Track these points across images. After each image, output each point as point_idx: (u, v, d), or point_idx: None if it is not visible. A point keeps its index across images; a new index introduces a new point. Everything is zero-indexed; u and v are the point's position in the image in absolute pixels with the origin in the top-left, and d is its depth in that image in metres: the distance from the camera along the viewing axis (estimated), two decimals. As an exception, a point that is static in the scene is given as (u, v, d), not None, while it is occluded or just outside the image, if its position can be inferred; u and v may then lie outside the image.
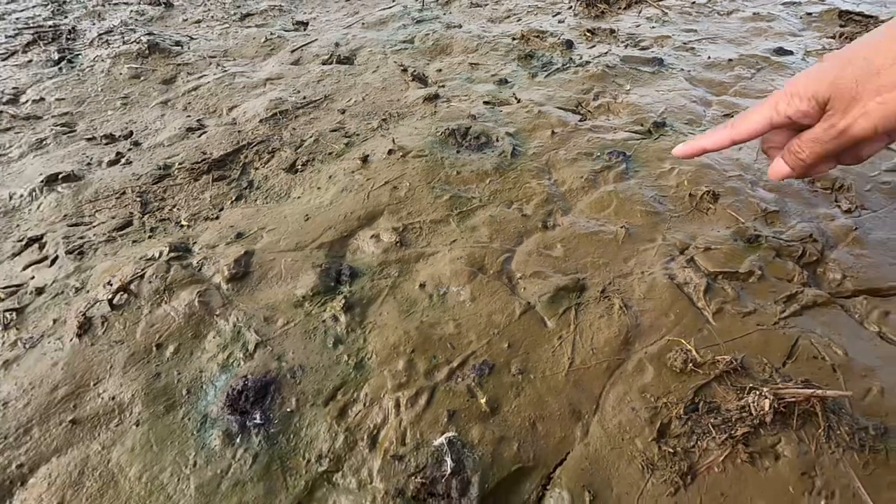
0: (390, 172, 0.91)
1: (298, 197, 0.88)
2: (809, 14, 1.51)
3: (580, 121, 1.03)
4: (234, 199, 0.87)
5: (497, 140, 0.98)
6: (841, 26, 1.46)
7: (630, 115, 1.05)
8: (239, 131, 1.03)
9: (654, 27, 1.43)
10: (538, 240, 0.78)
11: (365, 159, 0.94)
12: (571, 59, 1.24)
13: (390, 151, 0.95)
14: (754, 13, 1.52)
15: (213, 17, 1.53)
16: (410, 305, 0.68)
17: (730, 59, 1.25)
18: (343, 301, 0.67)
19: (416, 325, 0.65)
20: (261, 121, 1.05)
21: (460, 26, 1.45)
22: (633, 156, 0.92)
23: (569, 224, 0.80)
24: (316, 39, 1.39)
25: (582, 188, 0.87)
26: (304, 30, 1.46)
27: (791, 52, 1.30)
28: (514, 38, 1.36)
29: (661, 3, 1.58)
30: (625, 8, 1.55)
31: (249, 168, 0.95)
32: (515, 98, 1.11)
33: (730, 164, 0.89)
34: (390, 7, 1.59)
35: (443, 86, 1.18)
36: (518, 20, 1.50)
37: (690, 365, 0.59)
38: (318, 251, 0.76)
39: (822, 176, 0.88)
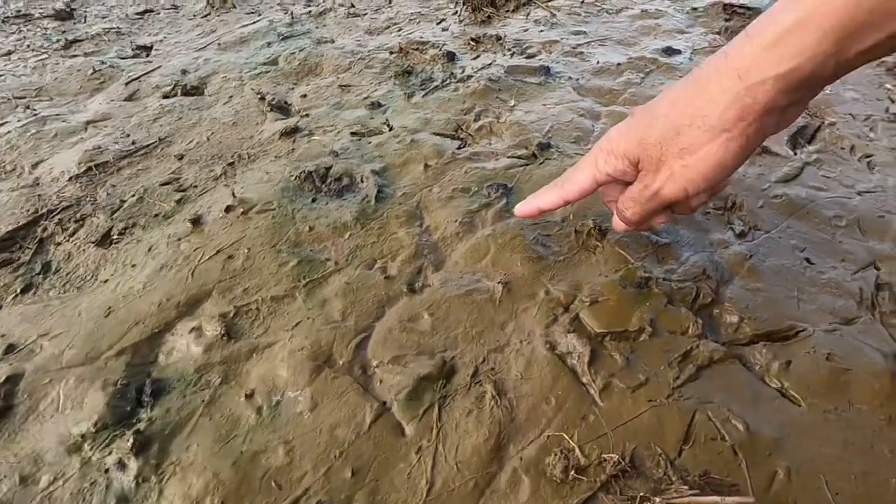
0: (227, 236, 0.75)
1: (106, 280, 0.70)
2: (695, 9, 1.50)
3: (459, 148, 0.92)
4: (18, 291, 0.68)
5: (361, 181, 0.85)
6: (726, 20, 1.45)
7: (514, 136, 0.95)
8: (39, 195, 0.83)
9: (542, 31, 1.36)
10: (402, 309, 0.66)
11: (197, 221, 0.78)
12: (453, 73, 1.13)
13: (229, 208, 0.79)
14: (643, 10, 1.48)
15: (28, 46, 1.28)
16: (231, 428, 0.54)
17: (619, 64, 1.19)
18: (134, 437, 0.51)
19: (233, 459, 0.51)
20: (71, 178, 0.86)
21: (333, 41, 1.30)
22: (516, 187, 0.82)
23: (440, 283, 0.69)
24: (159, 67, 1.19)
25: (457, 234, 0.76)
26: (146, 56, 1.26)
27: (679, 52, 1.27)
28: (391, 53, 1.24)
29: (549, 3, 1.51)
30: (513, 11, 1.47)
31: (48, 244, 0.76)
32: (387, 125, 0.99)
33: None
34: (254, 23, 1.41)
35: (306, 115, 1.03)
36: (399, 30, 1.37)
37: (573, 472, 0.48)
38: (115, 361, 0.60)
39: (719, 194, 0.83)
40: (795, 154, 0.92)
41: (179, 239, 0.74)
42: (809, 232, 0.75)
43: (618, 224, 0.66)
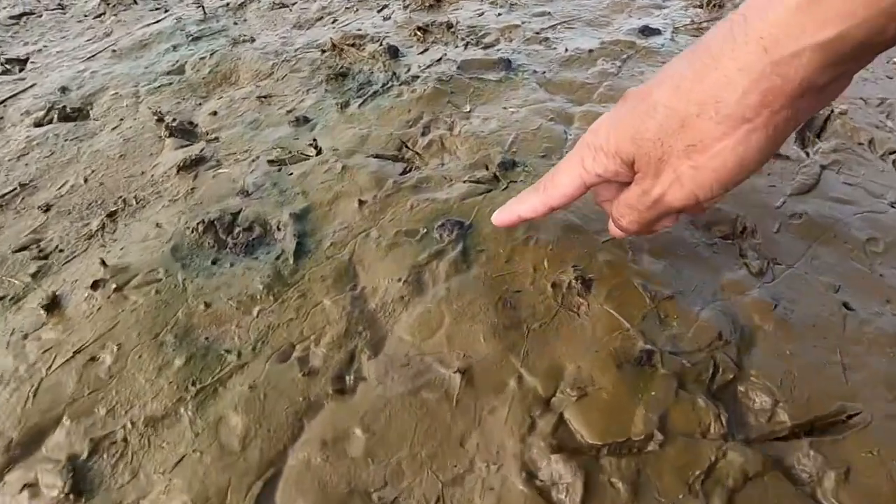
0: (91, 326, 0.57)
1: (-82, 407, 0.52)
2: (671, -21, 1.33)
3: (403, 173, 0.75)
4: None
5: (278, 229, 0.68)
6: (706, -9, 1.29)
7: (471, 152, 0.78)
8: None
9: (500, 14, 1.17)
10: (327, 422, 0.49)
11: (53, 305, 0.59)
12: (396, 73, 0.95)
13: (97, 283, 0.60)
14: (613, -17, 1.31)
15: None
16: None
17: (590, 50, 1.02)
18: None
19: None
20: None
21: (253, 40, 1.10)
22: (475, 225, 0.66)
23: (378, 377, 0.52)
24: (33, 85, 0.97)
25: (401, 298, 0.59)
26: (19, 71, 1.03)
27: (658, 31, 1.10)
28: (323, 51, 1.04)
29: (507, -20, 1.32)
30: (466, -9, 1.28)
31: None
32: (315, 147, 0.81)
33: (600, 222, 0.65)
34: (158, 21, 1.19)
35: (215, 139, 0.84)
36: (333, 21, 1.17)
37: None
38: None
39: (718, 217, 0.68)
40: (807, 155, 0.78)
41: (26, 336, 0.55)
42: (841, 263, 0.61)
43: (614, 230, 0.55)
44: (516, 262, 0.61)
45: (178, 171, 0.75)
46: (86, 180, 0.75)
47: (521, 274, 0.60)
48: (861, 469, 0.43)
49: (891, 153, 0.77)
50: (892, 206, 0.68)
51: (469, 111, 0.87)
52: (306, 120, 0.87)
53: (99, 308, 0.57)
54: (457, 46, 1.07)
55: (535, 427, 0.46)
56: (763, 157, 0.40)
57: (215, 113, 0.90)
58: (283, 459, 0.46)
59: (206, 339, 0.55)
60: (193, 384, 0.50)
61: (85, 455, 0.46)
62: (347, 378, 0.51)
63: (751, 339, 0.53)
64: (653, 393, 0.48)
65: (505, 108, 0.88)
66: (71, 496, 0.43)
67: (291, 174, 0.75)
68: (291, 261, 0.61)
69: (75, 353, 0.53)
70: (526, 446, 0.45)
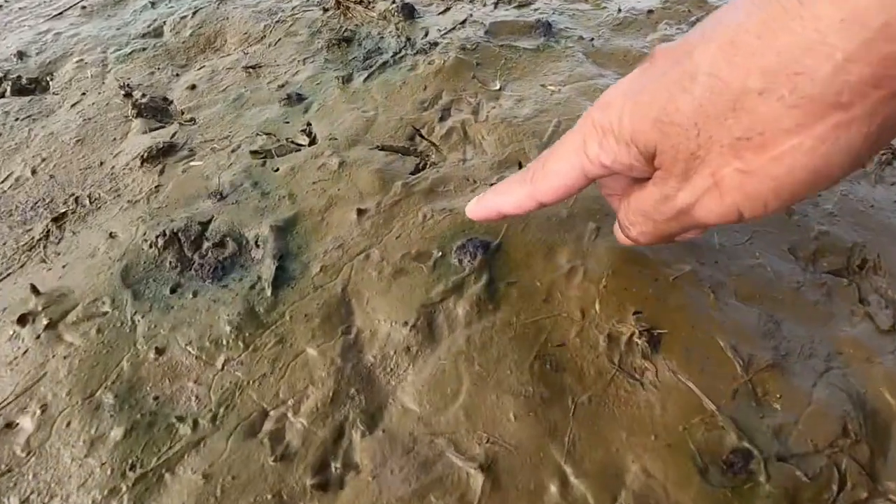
0: (13, 377, 0.46)
1: None
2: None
3: (415, 171, 0.60)
4: None
5: (256, 246, 0.55)
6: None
7: (500, 144, 0.63)
8: None
9: (538, -36, 0.98)
10: (303, 534, 0.38)
11: (-29, 345, 0.48)
12: (410, 39, 0.78)
13: (25, 318, 0.48)
14: (674, -74, 1.10)
15: None
16: None
17: (650, 11, 0.83)
18: None
19: None
20: None
21: (244, -5, 0.94)
22: (504, 247, 0.52)
23: (373, 466, 0.40)
24: (-14, 49, 0.85)
25: (407, 350, 0.46)
26: (-27, 32, 0.91)
27: (732, -13, 0.91)
28: (326, 9, 0.88)
29: (546, -78, 1.12)
30: (497, -64, 1.08)
31: None
32: (308, 135, 0.66)
33: (670, 249, 0.50)
34: (137, -29, 1.04)
35: (191, 120, 0.70)
36: (339, -27, 1.00)
37: None
38: None
39: (826, 243, 0.52)
40: (941, 156, 0.61)
41: (-68, 388, 0.45)
42: None
43: (620, 237, 0.43)
44: (558, 301, 0.47)
45: (142, 163, 0.62)
46: (34, 172, 0.63)
47: (564, 320, 0.46)
48: None
49: None
50: None
51: (499, 89, 0.71)
52: (300, 98, 0.72)
53: (25, 352, 0.45)
54: (485, 5, 0.90)
55: (587, 564, 0.34)
56: (851, 167, 0.27)
57: (194, 87, 0.76)
58: (241, 591, 0.35)
59: (155, 399, 0.43)
60: (133, 468, 0.39)
61: (-17, 572, 0.35)
62: (333, 466, 0.39)
63: (886, 432, 0.39)
64: None
65: (543, 85, 0.72)
66: None
67: (277, 170, 0.61)
68: (269, 292, 0.48)
69: (-12, 416, 0.42)
70: None
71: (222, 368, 0.44)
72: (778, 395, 0.40)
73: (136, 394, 0.43)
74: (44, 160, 0.65)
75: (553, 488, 0.37)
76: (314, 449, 0.40)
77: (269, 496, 0.37)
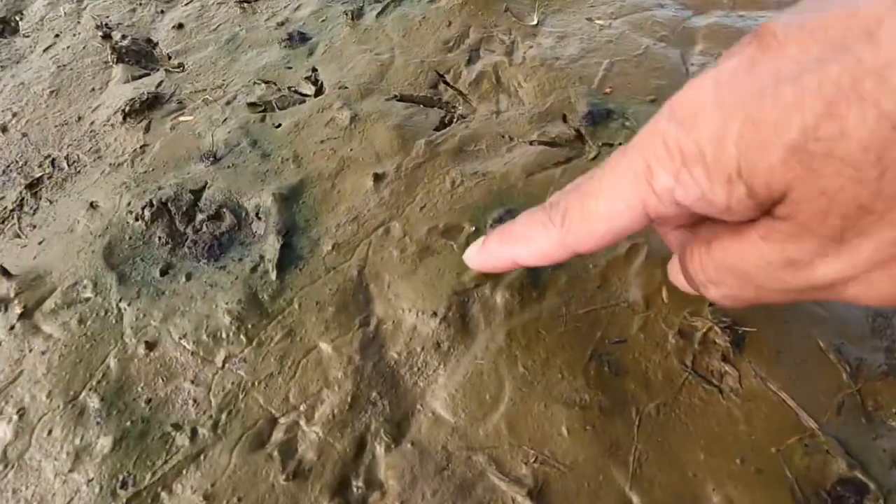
0: (-13, 376, 0.41)
1: None
2: None
3: (440, 126, 0.52)
4: None
5: (257, 218, 0.47)
6: None
7: (541, 92, 0.53)
8: None
9: None
10: (322, 568, 0.33)
11: (-61, 336, 0.43)
12: (430, -36, 0.67)
13: (-3, 305, 0.43)
14: None
15: None
16: None
17: (716, -76, 0.70)
18: None
19: None
20: None
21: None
22: (550, 219, 0.44)
23: (401, 488, 0.34)
24: (-52, -15, 0.74)
25: (437, 346, 0.39)
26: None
27: None
28: (329, -71, 0.75)
29: None
30: None
31: None
32: (314, 82, 0.57)
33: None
34: None
35: (179, 66, 0.61)
36: None
37: None
38: None
39: None
40: None
41: None
42: None
43: (679, 280, 0.35)
44: (616, 288, 0.40)
45: (124, 118, 0.54)
46: (4, 129, 0.55)
47: (624, 310, 0.39)
48: None
49: None
50: None
51: (536, 24, 0.60)
52: (303, 38, 0.62)
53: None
54: (516, -79, 0.76)
55: None
56: None
57: (181, 26, 0.66)
58: None
59: (148, 403, 0.38)
60: (124, 486, 0.34)
61: None
62: (354, 486, 0.34)
63: None
64: None
65: (590, 18, 0.61)
66: None
67: (279, 126, 0.52)
68: (274, 275, 0.42)
69: (-42, 421, 0.37)
70: None
71: (223, 366, 0.38)
72: (894, 410, 0.33)
73: (125, 396, 0.37)
74: (14, 115, 0.57)
75: (618, 521, 0.31)
76: (332, 464, 0.34)
77: (281, 522, 0.33)
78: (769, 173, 0.20)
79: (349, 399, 0.37)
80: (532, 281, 0.40)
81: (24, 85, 0.60)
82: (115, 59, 0.61)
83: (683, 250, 0.29)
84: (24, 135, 0.55)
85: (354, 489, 0.34)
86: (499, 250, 0.34)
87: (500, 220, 0.43)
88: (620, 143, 0.47)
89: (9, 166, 0.52)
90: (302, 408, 0.37)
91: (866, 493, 0.30)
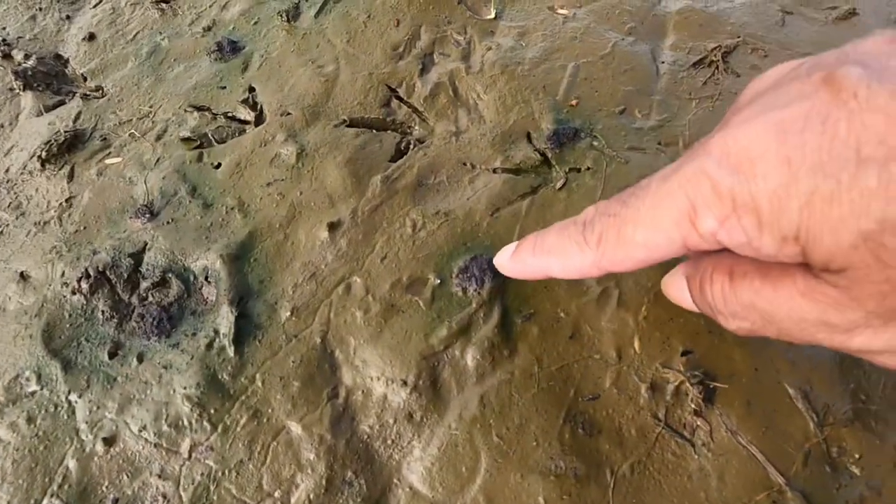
0: (-62, 490, 0.39)
1: None
2: None
3: (395, 156, 0.47)
4: None
5: (206, 282, 0.44)
6: None
7: (502, 105, 0.49)
8: None
9: None
10: None
11: None
12: (370, -57, 0.59)
13: (-65, 410, 0.40)
14: None
15: None
16: None
17: None
18: None
19: None
20: None
21: None
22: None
23: None
24: None
25: (409, 417, 0.38)
26: None
27: None
28: None
29: None
30: None
31: None
32: (252, 106, 0.51)
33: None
34: None
35: (98, 90, 0.54)
36: None
37: None
38: None
39: None
40: None
41: None
42: None
43: (675, 292, 0.35)
44: (588, 338, 0.39)
45: (42, 164, 0.48)
46: None
47: (597, 363, 0.38)
48: None
49: None
50: None
51: (494, 19, 0.55)
52: (235, 47, 0.55)
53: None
54: None
55: None
56: None
57: (93, 37, 0.57)
58: None
59: (115, 503, 0.37)
60: None
61: None
62: (337, 574, 0.34)
63: (979, 493, 0.34)
64: None
65: (552, 8, 0.55)
66: None
67: (219, 167, 0.47)
68: (232, 350, 0.39)
69: (-83, 544, 0.35)
70: None
71: (189, 457, 0.37)
72: (857, 456, 0.34)
73: (90, 499, 0.36)
74: (-84, 166, 0.51)
75: (595, 591, 0.32)
76: (313, 553, 0.35)
77: None
78: (834, 251, 0.20)
79: (324, 482, 0.36)
80: (503, 338, 0.39)
81: (-80, 125, 0.53)
82: (21, 86, 0.53)
83: (696, 271, 0.29)
84: (-69, 190, 0.49)
85: (338, 576, 0.34)
86: (533, 262, 0.34)
87: (465, 270, 0.41)
88: (588, 168, 0.45)
89: (-80, 231, 0.47)
90: (277, 494, 0.36)
91: (828, 549, 0.32)
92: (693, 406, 0.35)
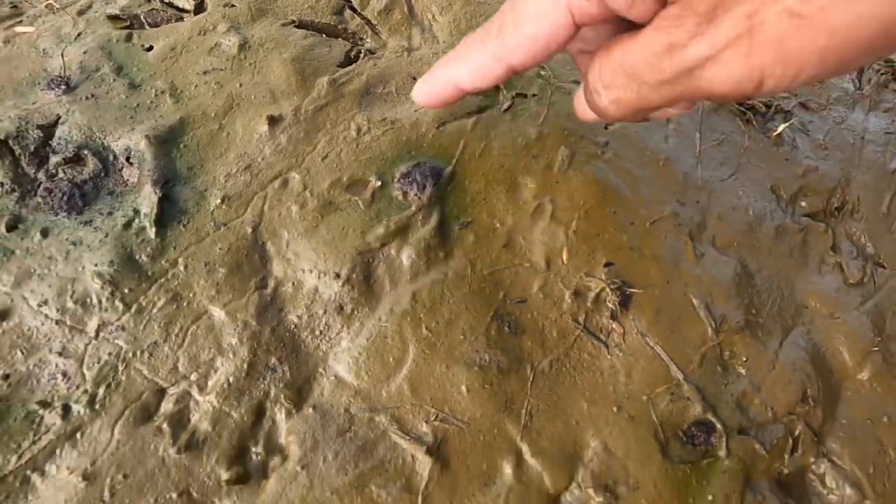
0: None
1: None
2: None
3: (345, 62, 0.47)
4: None
5: (127, 164, 0.41)
6: None
7: (455, 29, 0.49)
8: None
9: None
10: (221, 534, 0.33)
11: None
12: None
13: None
14: None
15: None
16: None
17: None
18: None
19: None
20: None
21: None
22: (459, 174, 0.42)
23: (303, 452, 0.33)
24: None
25: (340, 307, 0.38)
26: None
27: None
28: None
29: None
30: None
31: None
32: (192, -6, 0.48)
33: (652, 185, 0.43)
34: None
35: (9, -44, 0.49)
36: None
37: None
38: None
39: (812, 182, 0.47)
40: (932, 79, 0.56)
41: None
42: (961, 269, 0.45)
43: (583, 111, 0.35)
44: (520, 248, 0.41)
45: (-63, 22, 0.43)
46: None
47: (526, 271, 0.40)
48: None
49: None
50: None
51: (455, -54, 0.55)
52: (177, -67, 0.52)
53: None
54: None
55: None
56: None
57: None
58: None
59: (6, 379, 0.33)
60: (-15, 472, 0.31)
61: None
62: (253, 453, 0.34)
63: (837, 394, 0.40)
64: (710, 498, 0.34)
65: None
66: None
67: (150, 50, 0.44)
68: (153, 232, 0.37)
69: None
70: (525, 584, 0.32)
71: (96, 336, 0.35)
72: (744, 359, 0.38)
73: (-27, 375, 0.33)
74: None
75: (507, 469, 0.34)
76: (228, 433, 0.33)
77: (174, 495, 0.32)
78: None
79: (245, 366, 0.35)
80: (439, 241, 0.40)
81: None
82: (-87, -63, 0.47)
83: (588, 77, 0.31)
84: None
85: (253, 456, 0.34)
86: (440, 73, 0.33)
87: (407, 175, 0.41)
88: (535, 95, 0.46)
89: None
90: (193, 377, 0.35)
91: (714, 432, 0.35)
92: (610, 307, 0.38)
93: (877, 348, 0.39)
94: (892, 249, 0.44)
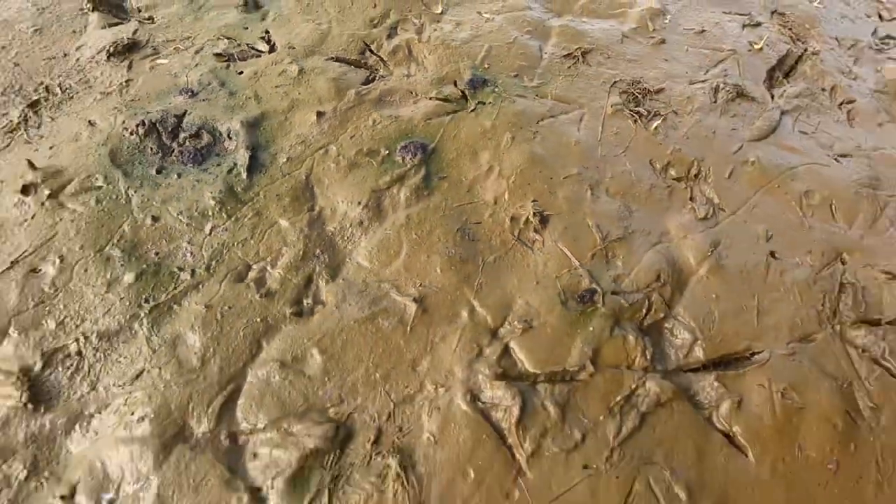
0: (27, 236, 0.55)
1: None
2: None
3: (366, 82, 0.71)
4: None
5: (229, 137, 0.64)
6: None
7: (439, 63, 0.74)
8: None
9: None
10: (285, 344, 0.52)
11: (-20, 209, 0.56)
12: (360, -45, 0.84)
13: (28, 188, 0.57)
14: None
15: None
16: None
17: (578, -51, 0.94)
18: None
19: None
20: None
21: None
22: (439, 149, 0.65)
23: (336, 301, 0.54)
24: None
25: (360, 223, 0.59)
26: None
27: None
28: (275, -87, 0.90)
29: None
30: None
31: None
32: (267, 41, 0.73)
33: (566, 156, 0.65)
34: None
35: (149, 19, 0.74)
36: None
37: (490, 578, 0.42)
38: None
39: (677, 158, 0.69)
40: (772, 98, 0.79)
41: (-47, 241, 0.52)
42: (778, 213, 0.66)
43: None
44: (478, 192, 0.62)
45: (108, 57, 0.67)
46: (-4, 59, 0.66)
47: (481, 205, 0.61)
48: (752, 399, 0.51)
49: (848, 103, 0.80)
50: (837, 160, 0.72)
51: (441, 13, 0.81)
52: (257, 5, 0.78)
53: (33, 216, 0.54)
54: (432, -74, 0.95)
55: (482, 355, 0.51)
56: None
57: (147, -16, 0.78)
58: (243, 376, 0.49)
59: (157, 255, 0.54)
60: (147, 301, 0.51)
61: (39, 367, 0.47)
62: (305, 301, 0.53)
63: (685, 281, 0.59)
64: (591, 329, 0.53)
65: (480, 13, 0.82)
66: (28, 407, 0.45)
67: (241, 73, 0.68)
68: (245, 176, 0.59)
69: (13, 264, 0.51)
70: (472, 372, 0.50)
71: (210, 233, 0.55)
72: (621, 257, 0.58)
73: (139, 250, 0.53)
74: (3, 48, 0.68)
75: (464, 314, 0.53)
76: (290, 290, 0.53)
77: (258, 319, 0.51)
78: None
79: (301, 254, 0.55)
80: (425, 186, 0.61)
81: (8, 22, 0.70)
82: (90, 8, 0.72)
83: None
84: (16, 64, 0.66)
85: (306, 304, 0.53)
86: None
87: (405, 147, 0.63)
88: (490, 103, 0.69)
89: (6, 90, 0.64)
90: (268, 259, 0.55)
91: (595, 294, 0.55)
92: (534, 226, 0.58)
93: (710, 254, 0.59)
94: (730, 200, 0.65)
